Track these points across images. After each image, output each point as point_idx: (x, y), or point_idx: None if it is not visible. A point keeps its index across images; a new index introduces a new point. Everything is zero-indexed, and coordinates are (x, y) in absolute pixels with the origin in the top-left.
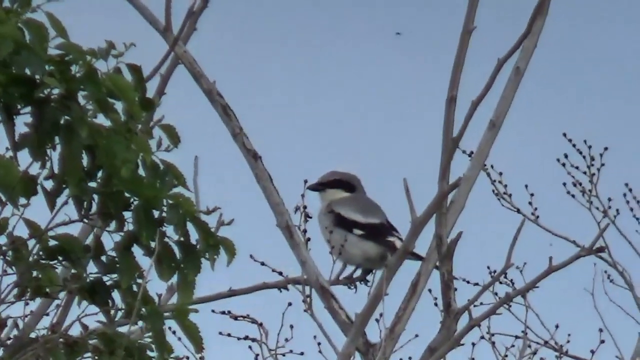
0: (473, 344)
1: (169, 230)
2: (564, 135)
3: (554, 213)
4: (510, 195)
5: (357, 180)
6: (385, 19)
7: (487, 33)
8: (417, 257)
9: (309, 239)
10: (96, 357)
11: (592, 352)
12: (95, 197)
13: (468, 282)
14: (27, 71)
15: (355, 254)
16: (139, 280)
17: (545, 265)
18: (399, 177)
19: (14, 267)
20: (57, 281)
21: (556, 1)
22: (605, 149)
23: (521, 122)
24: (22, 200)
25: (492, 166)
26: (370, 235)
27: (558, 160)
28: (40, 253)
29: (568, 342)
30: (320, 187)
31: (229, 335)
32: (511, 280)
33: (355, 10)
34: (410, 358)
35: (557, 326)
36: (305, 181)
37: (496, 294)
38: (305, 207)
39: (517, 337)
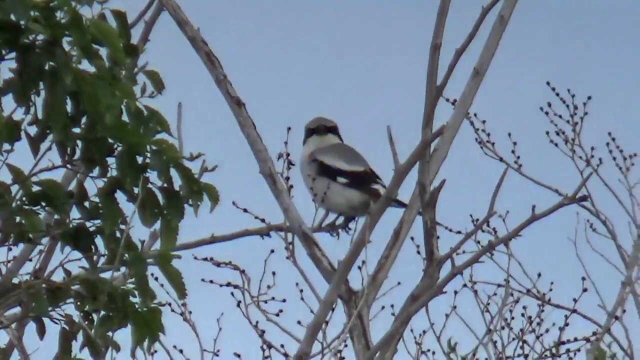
0: (455, 292)
1: (153, 176)
2: (548, 83)
3: (537, 162)
4: (493, 144)
5: None
6: None
7: None
8: (400, 205)
9: (291, 186)
10: (79, 303)
11: (575, 300)
12: (79, 143)
13: (451, 230)
14: (12, 17)
15: (339, 202)
16: (122, 226)
17: (528, 214)
18: (383, 124)
19: None
20: (40, 227)
21: None
22: (589, 97)
23: (505, 70)
24: (6, 146)
25: (475, 114)
26: (354, 183)
27: (541, 109)
28: (24, 199)
29: (550, 290)
30: (325, 130)
31: (211, 282)
32: (494, 229)
33: None
34: (392, 305)
35: (539, 275)
36: (289, 128)
37: (479, 242)
38: (288, 155)
39: (499, 285)
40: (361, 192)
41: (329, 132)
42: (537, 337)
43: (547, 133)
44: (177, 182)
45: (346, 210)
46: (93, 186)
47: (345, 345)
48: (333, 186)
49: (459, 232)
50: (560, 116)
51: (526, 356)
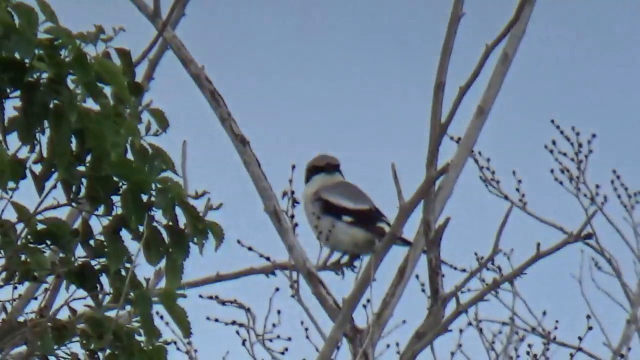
0: (460, 330)
1: (158, 214)
2: (552, 121)
3: (542, 199)
4: (498, 182)
5: None
6: (372, 3)
7: (476, 19)
8: (405, 243)
9: (296, 224)
10: (84, 341)
11: (580, 338)
12: (84, 180)
13: (455, 268)
14: (17, 55)
15: (344, 240)
16: (127, 265)
17: (533, 252)
18: (387, 162)
19: (1, 251)
20: (46, 265)
21: None
22: (593, 135)
23: (509, 108)
24: (11, 184)
25: (479, 152)
26: (360, 222)
27: (546, 146)
28: (29, 237)
29: (556, 328)
30: (335, 168)
31: (216, 320)
32: (498, 267)
33: None
34: (397, 344)
35: (544, 313)
36: (294, 166)
37: (483, 280)
38: (293, 192)
39: (504, 323)
40: (366, 231)
41: (335, 170)
42: None
43: (552, 171)
44: (182, 220)
45: (351, 249)
46: (98, 224)
47: None
48: (338, 225)
49: (464, 270)
50: (564, 154)
51: None
